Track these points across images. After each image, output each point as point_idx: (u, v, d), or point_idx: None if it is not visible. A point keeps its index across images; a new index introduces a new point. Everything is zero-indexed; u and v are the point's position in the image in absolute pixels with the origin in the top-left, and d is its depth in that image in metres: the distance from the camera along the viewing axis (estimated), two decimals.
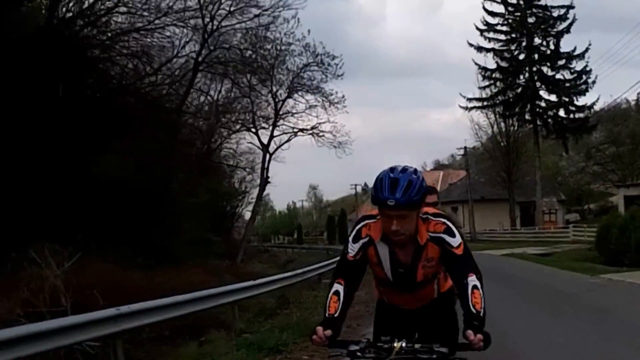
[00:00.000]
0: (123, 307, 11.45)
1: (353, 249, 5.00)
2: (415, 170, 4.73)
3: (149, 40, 31.32)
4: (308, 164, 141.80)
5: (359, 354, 4.50)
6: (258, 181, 48.91)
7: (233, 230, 55.02)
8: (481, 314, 4.50)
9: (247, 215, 58.16)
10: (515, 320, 13.03)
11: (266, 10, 36.19)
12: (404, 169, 4.70)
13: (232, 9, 34.14)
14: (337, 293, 4.86)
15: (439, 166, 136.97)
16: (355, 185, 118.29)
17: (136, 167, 31.21)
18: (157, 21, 30.66)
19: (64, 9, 27.95)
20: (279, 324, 16.81)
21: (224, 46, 35.37)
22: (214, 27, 34.26)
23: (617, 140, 69.24)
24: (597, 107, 68.74)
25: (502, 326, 11.32)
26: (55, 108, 24.89)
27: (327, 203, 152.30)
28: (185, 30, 33.04)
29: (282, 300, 23.41)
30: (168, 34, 32.01)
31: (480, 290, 4.64)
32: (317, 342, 4.61)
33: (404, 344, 4.42)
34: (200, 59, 34.55)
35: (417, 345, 4.43)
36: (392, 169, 4.70)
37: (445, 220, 4.96)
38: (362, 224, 5.10)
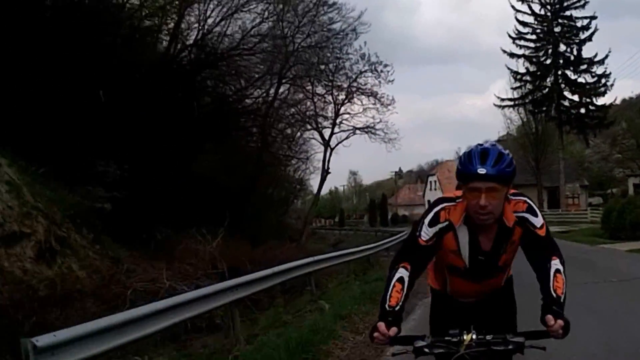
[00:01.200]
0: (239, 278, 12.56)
1: (428, 232, 4.43)
2: (503, 148, 4.26)
3: (245, 60, 34.60)
4: (347, 150, 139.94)
5: (426, 350, 4.10)
6: (309, 169, 51.65)
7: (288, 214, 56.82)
8: (562, 299, 4.10)
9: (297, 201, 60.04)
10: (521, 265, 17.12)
11: (338, 34, 39.71)
12: (493, 144, 4.30)
13: (309, 33, 37.54)
14: (401, 280, 4.28)
15: None
16: (395, 172, 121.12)
17: (227, 166, 34.92)
18: (253, 46, 33.89)
19: (180, 41, 31.58)
20: (352, 293, 17.73)
21: (301, 63, 38.44)
22: (295, 48, 37.28)
23: (637, 132, 71.41)
24: (618, 101, 72.31)
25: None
26: (170, 121, 28.25)
27: (364, 187, 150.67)
28: (273, 52, 35.70)
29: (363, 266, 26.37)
30: (260, 55, 34.88)
31: (563, 274, 4.25)
32: (380, 340, 4.08)
33: (474, 336, 4.04)
34: (283, 73, 37.37)
35: (489, 337, 4.05)
36: (480, 144, 4.30)
37: (526, 199, 4.49)
38: (441, 206, 4.51)
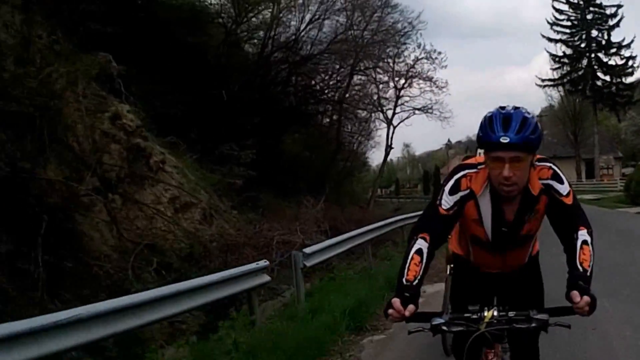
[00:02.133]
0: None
1: (448, 201, 3.98)
2: (527, 111, 3.76)
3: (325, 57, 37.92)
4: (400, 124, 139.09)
5: (444, 327, 3.66)
6: (371, 144, 52.67)
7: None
8: (588, 273, 3.64)
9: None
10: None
11: (399, 32, 42.16)
12: (516, 107, 3.77)
13: (376, 32, 39.65)
14: (419, 252, 3.79)
15: None
16: (445, 143, 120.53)
17: (311, 145, 39.41)
18: (331, 47, 36.78)
19: (269, 45, 34.51)
20: None
21: (368, 56, 40.51)
22: (364, 44, 39.04)
23: None
24: None
25: None
26: (267, 110, 32.26)
27: (417, 158, 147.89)
28: (348, 51, 37.95)
29: None
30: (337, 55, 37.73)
31: (591, 246, 3.77)
32: (395, 317, 3.60)
33: (495, 313, 3.63)
34: (355, 66, 39.73)
35: (511, 313, 3.63)
36: (502, 107, 3.78)
37: (551, 165, 3.98)
38: (462, 173, 4.05)
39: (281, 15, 34.84)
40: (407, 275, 3.70)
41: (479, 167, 4.01)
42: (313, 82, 39.21)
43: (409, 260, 3.76)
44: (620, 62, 71.51)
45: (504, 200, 3.94)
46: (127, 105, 16.83)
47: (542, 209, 4.01)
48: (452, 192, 4.00)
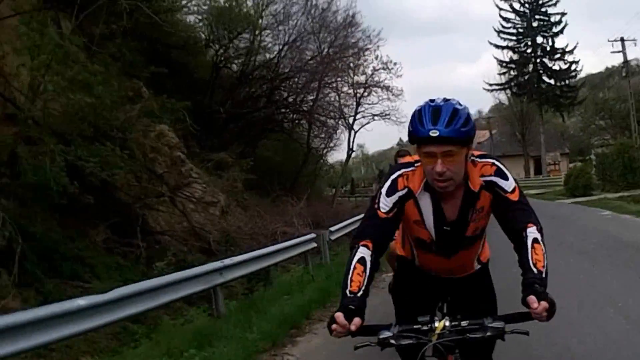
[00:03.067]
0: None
1: (387, 203, 3.81)
2: (459, 102, 3.61)
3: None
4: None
5: (392, 341, 3.47)
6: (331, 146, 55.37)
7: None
8: (543, 275, 3.44)
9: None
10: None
11: (362, 49, 46.91)
12: (446, 99, 3.60)
13: (341, 48, 44.46)
14: (362, 261, 3.60)
15: None
16: (397, 143, 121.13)
17: (285, 149, 45.27)
18: (303, 65, 42.09)
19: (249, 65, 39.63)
20: None
21: (333, 70, 44.86)
22: (330, 60, 43.73)
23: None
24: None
25: None
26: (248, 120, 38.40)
27: (370, 158, 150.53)
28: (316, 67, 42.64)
29: None
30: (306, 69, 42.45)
31: (542, 244, 3.60)
32: (340, 333, 3.37)
33: (447, 323, 3.45)
34: (322, 80, 43.82)
35: (464, 323, 3.45)
36: (431, 100, 3.60)
37: (494, 161, 3.85)
38: (398, 173, 3.89)
39: (260, 40, 40.12)
40: (351, 286, 3.48)
41: (415, 164, 3.83)
42: (286, 95, 44.26)
43: (351, 270, 3.55)
44: (564, 67, 77.53)
45: (444, 198, 3.77)
46: (165, 125, 21.99)
47: (487, 206, 3.83)
48: (389, 193, 3.83)
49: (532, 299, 3.25)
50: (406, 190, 3.83)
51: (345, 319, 3.32)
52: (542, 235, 3.68)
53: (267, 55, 41.90)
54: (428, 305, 4.19)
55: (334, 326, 3.34)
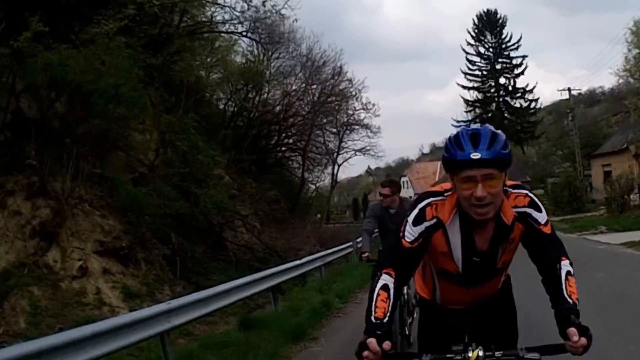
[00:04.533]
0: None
1: (412, 233, 3.70)
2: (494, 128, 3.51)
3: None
4: None
5: None
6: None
7: None
8: (577, 307, 3.46)
9: None
10: None
11: (348, 96, 54.82)
12: (482, 125, 3.56)
13: (329, 94, 52.06)
14: (385, 288, 3.61)
15: (434, 149, 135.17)
16: (367, 171, 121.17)
17: (283, 182, 51.41)
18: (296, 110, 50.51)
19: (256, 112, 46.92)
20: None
21: (323, 112, 53.29)
22: (322, 101, 51.54)
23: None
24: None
25: None
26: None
27: (341, 186, 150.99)
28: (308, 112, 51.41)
29: None
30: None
31: (574, 277, 3.64)
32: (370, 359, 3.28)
33: (481, 352, 3.44)
34: (314, 123, 51.66)
35: (498, 354, 3.45)
36: (467, 126, 3.58)
37: (527, 192, 3.75)
38: (426, 202, 3.75)
39: (265, 97, 48.44)
40: (376, 312, 3.46)
41: (445, 194, 3.72)
42: (283, 136, 52.52)
43: (375, 297, 3.54)
44: (524, 105, 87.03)
45: (475, 229, 3.67)
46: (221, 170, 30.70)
47: (517, 238, 3.76)
48: (416, 222, 3.71)
49: (572, 331, 3.22)
50: (435, 220, 3.68)
51: (379, 345, 3.26)
52: (573, 269, 3.67)
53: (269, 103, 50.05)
54: (451, 340, 3.85)
55: (365, 353, 3.26)
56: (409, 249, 3.70)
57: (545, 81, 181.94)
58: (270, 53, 45.38)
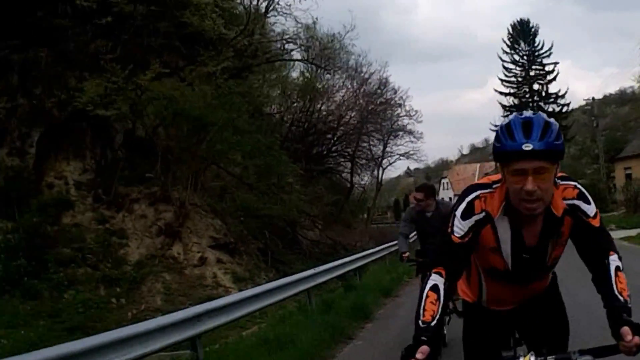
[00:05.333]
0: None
1: (462, 227, 3.54)
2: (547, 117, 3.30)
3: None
4: None
5: None
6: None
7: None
8: (629, 304, 3.32)
9: None
10: None
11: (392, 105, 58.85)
12: (534, 112, 3.37)
13: (376, 103, 56.24)
14: (435, 288, 3.44)
15: (474, 149, 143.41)
16: (406, 171, 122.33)
17: (334, 185, 56.97)
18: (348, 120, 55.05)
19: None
20: None
21: (370, 121, 56.98)
22: (370, 110, 55.86)
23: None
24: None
25: None
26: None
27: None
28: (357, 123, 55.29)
29: None
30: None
31: (623, 272, 3.47)
32: None
33: (532, 358, 3.30)
34: (362, 131, 55.73)
35: (550, 358, 3.28)
36: (519, 113, 3.38)
37: (576, 184, 3.62)
38: (474, 194, 3.60)
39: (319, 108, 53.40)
40: (424, 315, 3.33)
41: (494, 186, 3.58)
42: (336, 142, 57.30)
43: (423, 299, 3.40)
44: (557, 110, 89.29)
45: (524, 223, 3.52)
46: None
47: (567, 232, 3.61)
48: (464, 216, 3.53)
49: (626, 330, 3.10)
50: (484, 214, 3.53)
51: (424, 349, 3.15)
52: (622, 264, 3.51)
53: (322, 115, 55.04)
54: (501, 345, 3.96)
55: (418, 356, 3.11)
56: (459, 245, 3.54)
57: (580, 78, 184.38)
58: (324, 72, 49.53)
